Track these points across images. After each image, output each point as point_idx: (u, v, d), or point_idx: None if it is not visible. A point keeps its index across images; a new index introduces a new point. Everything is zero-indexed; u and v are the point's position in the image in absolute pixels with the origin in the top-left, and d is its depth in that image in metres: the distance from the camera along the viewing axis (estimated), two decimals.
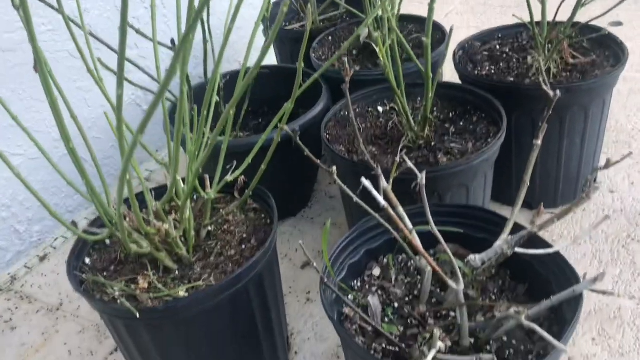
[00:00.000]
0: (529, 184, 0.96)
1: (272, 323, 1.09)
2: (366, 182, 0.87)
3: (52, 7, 1.17)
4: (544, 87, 0.92)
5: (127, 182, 0.87)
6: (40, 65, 0.79)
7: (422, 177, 0.84)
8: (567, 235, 1.43)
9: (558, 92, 0.92)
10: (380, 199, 0.86)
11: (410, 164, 0.87)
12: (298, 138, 1.00)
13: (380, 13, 1.34)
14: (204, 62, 1.48)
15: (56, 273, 1.59)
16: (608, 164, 0.83)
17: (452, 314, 0.97)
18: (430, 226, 0.90)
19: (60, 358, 1.32)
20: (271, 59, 2.25)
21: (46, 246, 1.71)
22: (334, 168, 0.95)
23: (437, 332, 0.73)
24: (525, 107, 1.35)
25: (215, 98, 1.46)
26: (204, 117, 1.00)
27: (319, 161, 0.96)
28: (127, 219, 0.97)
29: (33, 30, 0.76)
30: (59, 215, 0.92)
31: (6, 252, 1.63)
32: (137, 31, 1.22)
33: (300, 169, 1.60)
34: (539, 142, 0.97)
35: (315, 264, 0.81)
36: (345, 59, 0.93)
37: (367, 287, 1.01)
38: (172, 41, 1.19)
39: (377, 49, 1.08)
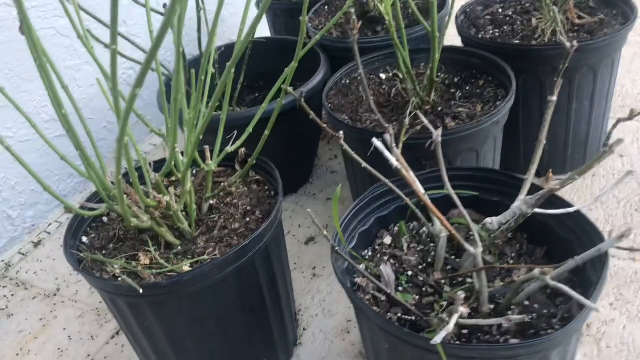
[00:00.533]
0: (544, 142, 0.91)
1: (279, 297, 1.05)
2: (377, 143, 0.82)
3: None
4: (561, 37, 0.88)
5: (125, 151, 0.82)
6: (26, 28, 0.74)
7: (437, 135, 0.80)
8: (578, 200, 1.39)
9: (575, 42, 0.88)
10: (392, 159, 0.81)
11: (425, 120, 0.82)
12: (299, 106, 0.96)
13: None
14: (198, 32, 1.42)
15: (52, 258, 1.54)
16: (632, 115, 0.79)
17: (469, 280, 0.93)
18: (446, 188, 0.85)
19: (59, 344, 1.28)
20: (265, 33, 2.19)
21: (40, 231, 1.66)
22: (341, 132, 0.90)
23: (461, 294, 0.69)
24: (532, 69, 1.30)
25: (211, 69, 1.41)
26: (201, 86, 0.95)
27: (325, 125, 0.92)
28: (127, 195, 0.92)
29: None
30: (55, 192, 0.87)
31: None
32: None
33: (301, 143, 1.55)
34: (555, 98, 0.92)
35: (316, 242, 0.77)
36: (353, 15, 0.88)
37: (379, 256, 0.97)
38: (165, 6, 1.14)
39: (382, 8, 1.03)
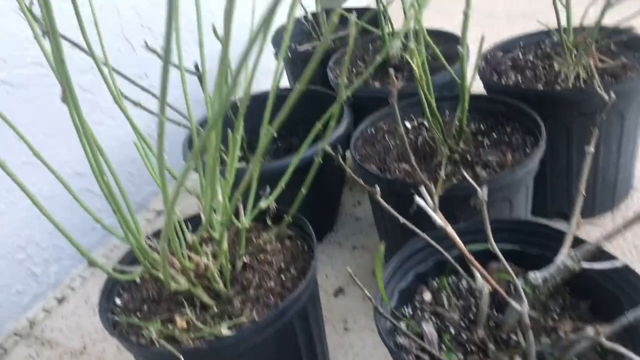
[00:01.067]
0: (584, 193, 0.90)
1: (316, 356, 1.03)
2: (421, 202, 0.82)
3: (66, 38, 1.13)
4: (599, 90, 0.87)
5: (168, 217, 0.82)
6: (69, 94, 0.74)
7: (483, 192, 0.79)
8: (610, 247, 1.37)
9: (612, 94, 0.88)
10: (436, 218, 0.81)
11: (469, 178, 0.82)
12: (337, 164, 0.96)
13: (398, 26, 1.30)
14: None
15: (76, 315, 1.53)
16: None
17: (513, 337, 0.91)
18: (490, 243, 0.84)
19: None
20: (283, 82, 2.21)
21: (64, 287, 1.64)
22: (377, 187, 0.90)
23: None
24: (557, 114, 1.30)
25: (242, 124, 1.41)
26: (237, 143, 0.95)
27: (359, 179, 0.91)
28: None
29: (62, 53, 0.71)
30: (90, 255, 0.86)
31: (23, 295, 1.57)
32: (158, 55, 1.17)
33: (326, 191, 1.55)
34: (592, 149, 0.91)
35: (346, 294, 0.76)
36: (392, 72, 0.88)
37: (420, 313, 0.95)
38: (196, 66, 1.15)
39: (413, 63, 1.03)
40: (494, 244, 0.83)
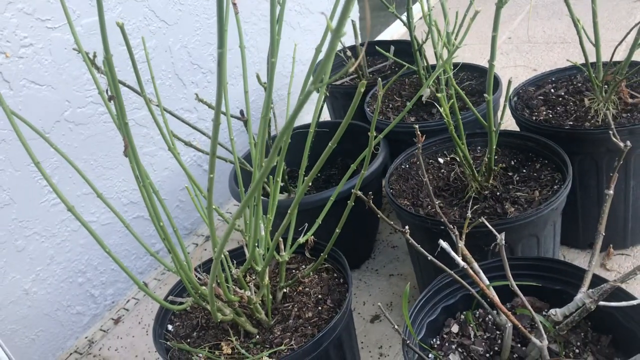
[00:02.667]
0: (603, 234, 0.96)
1: None
2: (444, 245, 0.89)
3: (124, 84, 1.25)
4: (614, 139, 0.93)
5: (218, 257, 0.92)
6: (131, 150, 0.85)
7: (501, 238, 0.85)
8: (639, 277, 1.40)
9: (628, 142, 0.93)
10: (459, 260, 0.87)
11: (488, 224, 0.88)
12: (367, 206, 1.03)
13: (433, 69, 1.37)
14: (268, 125, 1.53)
15: (131, 335, 1.64)
16: None
17: None
18: (510, 284, 0.90)
19: None
20: (324, 115, 2.31)
21: (119, 308, 1.77)
22: (407, 228, 0.97)
23: None
24: (587, 150, 1.35)
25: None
26: (278, 184, 1.04)
27: (392, 223, 0.99)
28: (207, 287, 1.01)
29: (125, 116, 0.82)
30: (148, 290, 0.96)
31: (83, 316, 1.70)
32: (209, 106, 1.28)
33: (363, 221, 1.62)
34: (611, 192, 0.96)
35: (382, 321, 0.83)
36: (417, 129, 0.96)
37: (447, 344, 1.02)
38: (242, 112, 1.25)
39: (440, 108, 1.11)
40: (513, 283, 0.89)
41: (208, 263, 1.21)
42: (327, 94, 1.74)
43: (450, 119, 1.15)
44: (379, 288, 1.58)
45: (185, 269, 0.94)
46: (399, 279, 1.59)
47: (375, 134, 1.04)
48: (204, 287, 0.97)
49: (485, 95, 1.09)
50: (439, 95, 1.09)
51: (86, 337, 1.68)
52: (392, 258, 1.68)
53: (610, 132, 0.93)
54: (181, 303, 1.08)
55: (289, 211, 0.93)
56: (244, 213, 1.11)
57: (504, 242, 0.85)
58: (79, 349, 1.64)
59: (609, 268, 1.45)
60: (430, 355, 0.99)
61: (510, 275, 0.89)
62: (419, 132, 0.92)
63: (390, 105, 1.76)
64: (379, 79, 0.93)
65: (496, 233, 0.86)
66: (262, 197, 1.07)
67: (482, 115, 1.23)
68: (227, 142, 2.00)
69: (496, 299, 0.88)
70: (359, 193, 0.99)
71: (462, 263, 0.86)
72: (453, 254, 0.87)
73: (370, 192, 0.97)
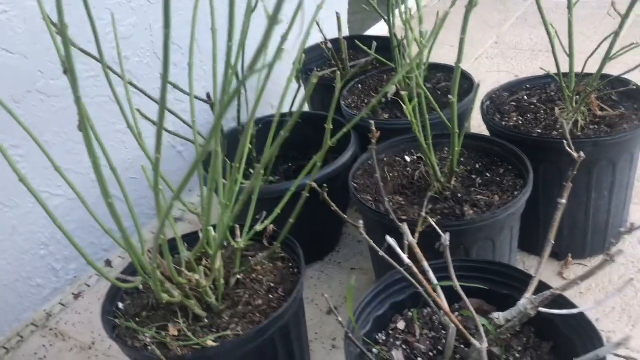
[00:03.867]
0: (553, 242, 0.96)
1: None
2: (391, 241, 0.89)
3: (92, 56, 1.24)
4: (568, 149, 0.94)
5: (163, 235, 0.92)
6: (84, 126, 0.84)
7: (446, 239, 0.86)
8: (595, 287, 1.42)
9: (582, 154, 0.94)
10: (404, 257, 0.88)
11: (435, 225, 0.89)
12: (323, 186, 1.03)
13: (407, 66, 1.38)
14: (238, 110, 1.53)
15: (89, 311, 1.64)
16: (632, 229, 0.83)
17: None
18: (454, 285, 0.91)
19: None
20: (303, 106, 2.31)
21: (81, 284, 1.76)
22: (361, 222, 0.98)
23: None
24: (552, 159, 1.36)
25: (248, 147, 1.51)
26: (237, 167, 1.04)
27: (345, 216, 0.99)
28: (160, 269, 1.01)
29: (78, 91, 0.81)
30: (95, 263, 0.96)
31: (43, 289, 1.69)
32: (175, 86, 1.28)
33: (329, 213, 1.63)
34: (564, 201, 0.98)
35: (338, 313, 0.84)
36: (373, 126, 0.96)
37: (392, 340, 1.03)
38: (208, 95, 1.25)
39: (404, 106, 1.11)
40: (457, 284, 0.90)
41: (170, 242, 1.21)
42: (302, 83, 1.74)
43: (414, 118, 1.16)
44: (339, 281, 1.59)
45: (132, 247, 0.94)
46: (361, 273, 1.60)
47: (345, 130, 1.05)
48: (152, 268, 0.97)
49: (450, 96, 1.10)
50: (402, 93, 1.09)
51: (45, 310, 1.67)
52: (356, 252, 1.69)
53: (565, 142, 0.94)
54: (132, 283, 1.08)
55: (240, 199, 0.93)
56: (202, 197, 1.11)
57: (448, 242, 0.86)
58: (36, 322, 1.63)
59: (566, 277, 1.46)
60: (374, 350, 1.00)
61: (454, 277, 0.90)
62: (374, 128, 0.93)
63: (366, 101, 1.76)
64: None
65: (441, 233, 0.86)
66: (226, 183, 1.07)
67: (449, 117, 1.24)
68: (202, 125, 1.99)
69: (438, 299, 0.89)
70: (314, 185, 0.99)
71: (407, 260, 0.87)
72: (399, 250, 0.88)
73: (325, 185, 0.97)
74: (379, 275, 1.41)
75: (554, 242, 0.95)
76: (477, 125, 1.96)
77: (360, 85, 1.85)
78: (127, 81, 1.16)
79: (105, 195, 0.90)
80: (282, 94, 1.20)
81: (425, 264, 0.95)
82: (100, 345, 1.51)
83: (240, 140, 1.01)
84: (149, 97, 1.36)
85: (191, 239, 1.20)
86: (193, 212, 1.14)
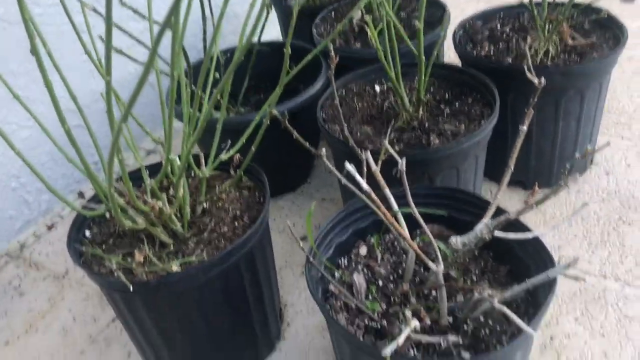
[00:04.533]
0: (512, 169, 0.97)
1: (263, 297, 1.14)
2: (350, 167, 0.90)
3: None
4: (529, 75, 0.94)
5: (120, 161, 0.91)
6: (35, 50, 0.82)
7: (402, 164, 0.87)
8: (559, 215, 1.45)
9: (543, 80, 0.94)
10: (363, 183, 0.89)
11: (390, 149, 0.89)
12: (295, 117, 1.03)
13: None
14: (203, 39, 1.50)
15: (62, 242, 1.65)
16: (584, 155, 0.84)
17: (434, 293, 1.00)
18: (412, 210, 0.93)
19: (65, 324, 1.39)
20: (276, 35, 2.27)
21: (54, 215, 1.76)
22: (323, 150, 0.98)
23: (409, 313, 0.76)
24: (521, 88, 1.36)
25: (215, 74, 1.48)
26: (199, 93, 1.02)
27: (307, 144, 0.99)
28: (125, 196, 1.01)
29: (28, 24, 0.79)
30: (58, 192, 0.96)
31: (16, 220, 1.69)
32: (135, 11, 1.24)
33: (300, 144, 1.63)
34: (525, 127, 0.98)
35: (307, 242, 0.85)
36: (332, 51, 0.94)
37: (354, 265, 1.05)
38: None
39: (369, 32, 1.09)
40: (415, 210, 0.92)
41: (136, 172, 1.21)
42: (270, 9, 1.70)
43: (379, 45, 1.14)
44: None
45: (90, 171, 0.94)
46: (331, 203, 1.62)
47: (310, 56, 1.03)
48: (115, 195, 0.97)
49: (416, 22, 1.08)
50: (366, 17, 1.07)
51: (18, 242, 1.68)
52: (327, 183, 1.70)
53: (525, 66, 0.93)
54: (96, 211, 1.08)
55: (199, 122, 0.92)
56: (164, 125, 1.10)
57: (404, 167, 0.87)
58: (9, 253, 1.64)
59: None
60: (336, 274, 1.03)
61: (412, 203, 0.91)
62: (332, 54, 0.91)
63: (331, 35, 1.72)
64: None
65: (398, 158, 0.87)
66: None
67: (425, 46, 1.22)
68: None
69: (396, 224, 0.90)
70: (275, 112, 0.98)
71: (365, 186, 0.87)
72: (358, 177, 0.88)
73: (285, 112, 0.97)
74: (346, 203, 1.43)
75: (512, 169, 0.96)
76: (455, 56, 1.94)
77: (333, 14, 1.81)
78: (85, 5, 1.12)
79: (62, 121, 0.89)
80: (245, 19, 1.17)
81: (387, 190, 0.96)
82: (73, 274, 1.53)
83: (202, 66, 0.99)
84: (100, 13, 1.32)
85: (157, 169, 1.20)
86: (157, 141, 1.13)
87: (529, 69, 0.94)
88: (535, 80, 0.93)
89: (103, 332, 1.35)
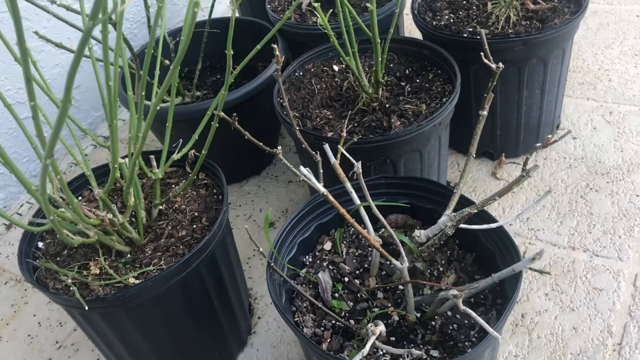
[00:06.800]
0: (474, 155, 0.94)
1: (228, 296, 1.11)
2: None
3: None
4: (485, 61, 0.90)
5: (60, 179, 0.86)
6: None
7: (358, 167, 0.83)
8: (528, 186, 1.44)
9: (500, 65, 0.90)
10: (319, 186, 0.85)
11: (347, 154, 0.85)
12: (254, 99, 0.98)
13: None
14: (148, 26, 1.42)
15: None
16: (546, 144, 0.81)
17: (401, 286, 0.98)
18: (372, 208, 0.89)
19: (30, 330, 1.35)
20: (225, 10, 2.18)
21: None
22: (279, 148, 0.94)
23: (373, 327, 0.74)
24: (482, 60, 1.31)
25: (164, 60, 1.41)
26: (143, 83, 0.96)
27: (261, 144, 0.95)
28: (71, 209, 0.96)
29: None
30: (10, 217, 0.91)
31: None
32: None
33: (263, 127, 1.58)
34: (485, 112, 0.95)
35: (275, 228, 0.82)
36: (277, 50, 0.89)
37: (318, 262, 1.02)
38: None
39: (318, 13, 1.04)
40: (373, 205, 0.88)
41: (81, 177, 1.15)
42: None
43: (331, 31, 1.09)
44: (276, 195, 1.57)
45: (32, 190, 0.88)
46: (297, 185, 1.58)
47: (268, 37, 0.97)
48: (60, 210, 0.92)
49: (368, 4, 1.02)
50: (314, 3, 1.01)
51: None
52: (293, 164, 1.65)
53: (482, 54, 0.89)
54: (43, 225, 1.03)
55: (145, 121, 0.87)
56: (108, 123, 1.04)
57: (360, 170, 0.83)
58: None
59: (499, 177, 1.47)
60: (300, 274, 1.00)
61: (369, 198, 0.88)
62: (277, 53, 0.86)
63: (301, 8, 1.65)
64: None
65: (353, 161, 0.83)
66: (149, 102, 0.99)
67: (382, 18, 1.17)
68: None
69: (356, 225, 0.87)
70: (223, 114, 0.93)
71: (322, 189, 0.84)
72: (314, 181, 0.84)
73: (247, 103, 0.92)
74: (312, 190, 1.39)
75: (474, 156, 0.93)
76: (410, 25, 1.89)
77: None
78: None
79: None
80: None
81: (348, 185, 0.93)
82: None
83: (148, 48, 0.92)
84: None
85: (103, 172, 1.15)
86: (103, 145, 1.07)
87: (485, 55, 0.90)
88: (493, 66, 0.89)
89: (70, 336, 1.32)
